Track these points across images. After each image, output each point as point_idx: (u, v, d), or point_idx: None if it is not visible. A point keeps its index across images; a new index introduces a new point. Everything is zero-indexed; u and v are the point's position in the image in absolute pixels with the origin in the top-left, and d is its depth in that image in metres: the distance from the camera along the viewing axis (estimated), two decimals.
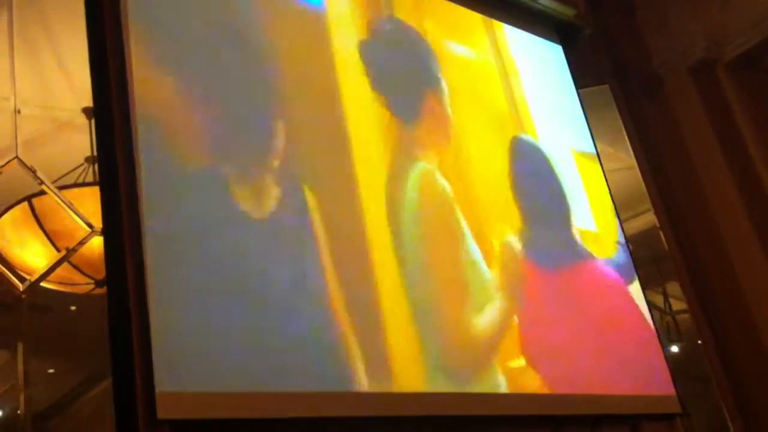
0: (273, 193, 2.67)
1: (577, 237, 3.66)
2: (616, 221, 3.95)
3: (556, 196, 3.72)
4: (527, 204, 3.44)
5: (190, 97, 2.75)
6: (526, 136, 3.72)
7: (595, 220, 3.88)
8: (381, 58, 2.96)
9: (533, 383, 3.19)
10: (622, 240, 3.92)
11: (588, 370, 3.45)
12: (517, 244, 3.22)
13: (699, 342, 4.23)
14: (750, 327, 4.09)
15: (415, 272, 2.87)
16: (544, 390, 3.20)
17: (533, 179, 3.68)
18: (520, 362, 3.12)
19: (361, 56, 2.93)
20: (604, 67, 4.72)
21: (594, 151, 4.22)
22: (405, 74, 3.16)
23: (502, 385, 3.05)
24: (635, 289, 3.90)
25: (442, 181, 3.03)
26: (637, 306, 3.82)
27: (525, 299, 3.22)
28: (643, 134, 4.58)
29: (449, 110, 3.29)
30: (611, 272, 3.79)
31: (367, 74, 2.92)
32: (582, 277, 3.61)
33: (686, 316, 4.47)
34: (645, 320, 3.88)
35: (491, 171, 3.43)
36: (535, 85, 4.05)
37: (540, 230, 3.37)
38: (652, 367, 3.77)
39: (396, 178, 2.91)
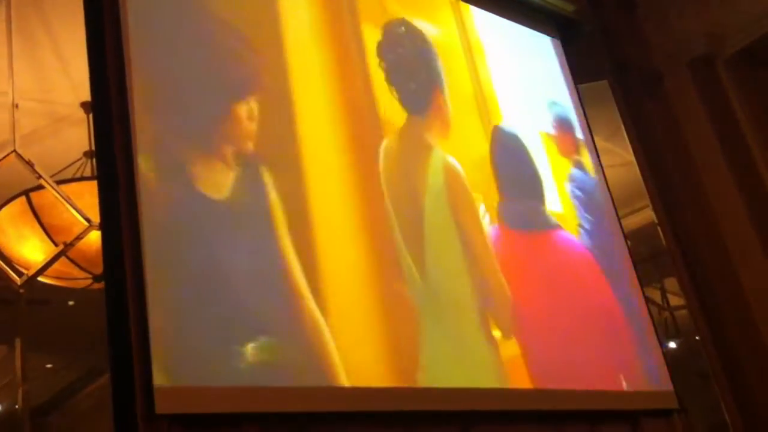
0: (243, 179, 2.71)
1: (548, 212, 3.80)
2: (575, 204, 3.96)
3: (532, 177, 3.83)
4: (505, 183, 3.61)
5: (187, 90, 2.75)
6: (506, 125, 3.85)
7: (561, 202, 3.92)
8: (395, 57, 3.20)
9: (526, 379, 3.20)
10: (586, 226, 3.93)
11: (585, 365, 3.46)
12: (498, 213, 3.43)
13: (697, 338, 4.23)
14: (748, 323, 4.09)
15: (434, 258, 2.96)
16: (540, 384, 3.21)
17: (511, 163, 3.78)
18: (514, 350, 3.17)
19: (378, 54, 3.16)
20: (603, 63, 4.71)
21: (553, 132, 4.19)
22: (416, 71, 3.35)
23: (502, 378, 3.08)
24: (618, 277, 3.92)
25: (459, 167, 3.24)
26: (607, 284, 3.83)
27: (510, 269, 3.32)
28: (641, 130, 4.58)
29: (449, 103, 3.45)
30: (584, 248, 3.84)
31: (385, 70, 3.15)
32: (558, 245, 3.73)
33: (684, 312, 4.47)
34: (638, 312, 3.91)
35: (469, 151, 3.51)
36: (504, 66, 4.02)
37: (517, 200, 3.61)
38: (650, 362, 3.77)
39: (404, 165, 3.07)
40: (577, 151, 4.19)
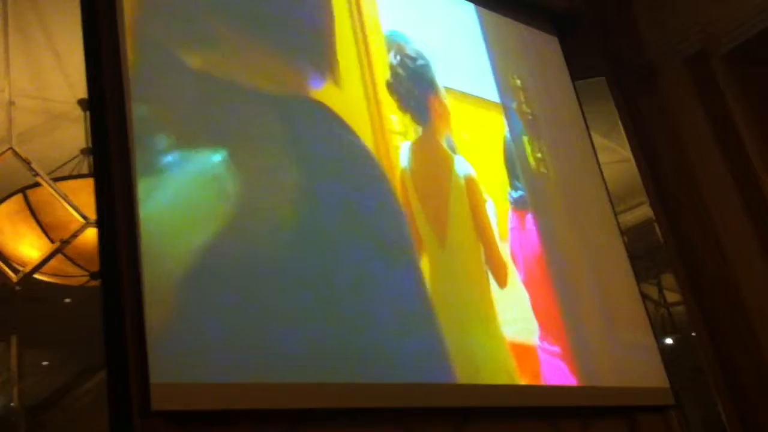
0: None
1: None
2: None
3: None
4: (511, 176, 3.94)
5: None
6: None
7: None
8: (399, 89, 3.58)
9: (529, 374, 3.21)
10: None
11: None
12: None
13: (693, 334, 4.24)
14: (744, 319, 4.09)
15: (453, 235, 3.36)
16: (539, 380, 3.22)
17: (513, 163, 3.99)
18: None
19: (390, 92, 3.52)
20: (600, 59, 4.71)
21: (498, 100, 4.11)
22: (412, 91, 3.68)
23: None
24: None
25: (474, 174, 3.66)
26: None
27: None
28: (638, 126, 4.58)
29: (445, 99, 3.74)
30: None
31: (397, 101, 3.53)
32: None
33: (681, 308, 4.48)
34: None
35: None
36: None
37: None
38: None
39: (430, 169, 3.50)
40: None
